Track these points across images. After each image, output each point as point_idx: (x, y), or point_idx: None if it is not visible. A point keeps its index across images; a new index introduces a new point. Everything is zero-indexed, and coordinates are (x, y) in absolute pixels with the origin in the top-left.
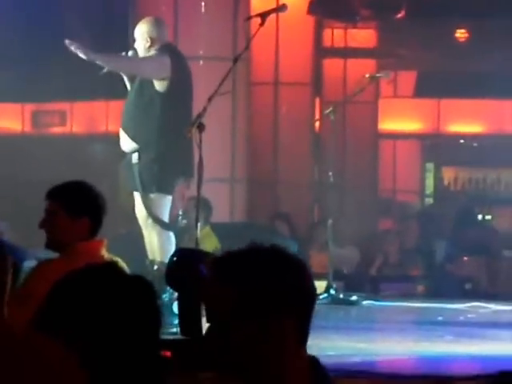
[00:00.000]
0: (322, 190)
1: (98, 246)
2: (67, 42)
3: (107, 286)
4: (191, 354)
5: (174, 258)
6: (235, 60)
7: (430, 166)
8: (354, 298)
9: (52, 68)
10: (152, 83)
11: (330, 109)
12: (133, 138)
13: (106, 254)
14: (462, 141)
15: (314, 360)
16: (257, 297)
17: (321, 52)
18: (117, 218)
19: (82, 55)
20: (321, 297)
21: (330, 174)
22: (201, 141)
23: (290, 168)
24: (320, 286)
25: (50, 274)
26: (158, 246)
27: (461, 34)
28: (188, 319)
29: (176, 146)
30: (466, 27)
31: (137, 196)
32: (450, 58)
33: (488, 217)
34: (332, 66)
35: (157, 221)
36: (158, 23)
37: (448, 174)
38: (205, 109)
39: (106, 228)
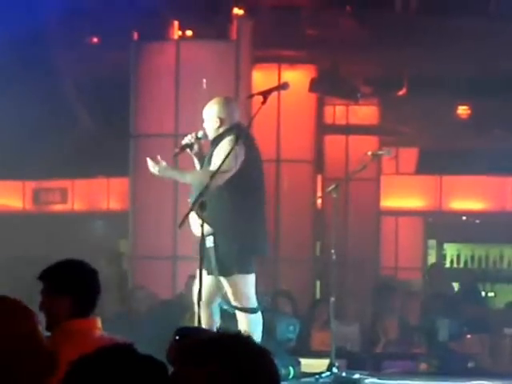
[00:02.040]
0: (324, 267)
1: (88, 325)
2: (149, 160)
3: (121, 368)
4: None
5: (176, 337)
6: (237, 138)
7: (432, 242)
8: (357, 376)
9: (53, 145)
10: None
11: (333, 186)
12: (208, 222)
13: (100, 332)
14: (464, 218)
15: None
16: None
17: (322, 129)
18: (115, 295)
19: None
20: (323, 375)
21: (332, 251)
22: (203, 219)
23: (291, 244)
24: (322, 364)
25: None
26: (245, 327)
27: (463, 110)
28: None
29: (251, 225)
30: (467, 104)
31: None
32: (451, 134)
33: (491, 294)
34: (334, 142)
35: (240, 307)
36: (227, 103)
37: (450, 251)
38: (207, 187)
39: (101, 307)
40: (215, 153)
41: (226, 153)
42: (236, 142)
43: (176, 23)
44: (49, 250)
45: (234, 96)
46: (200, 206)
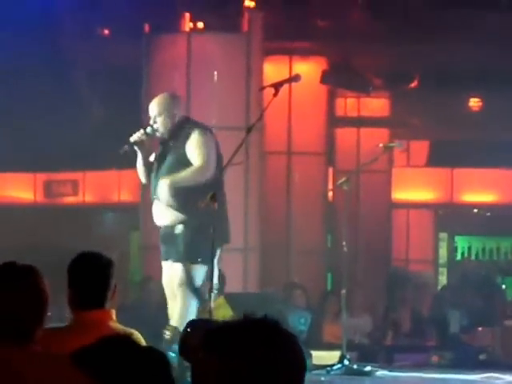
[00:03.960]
0: (335, 260)
1: (102, 316)
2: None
3: (123, 359)
4: None
5: (188, 329)
6: (248, 130)
7: (443, 235)
8: (368, 368)
9: (64, 138)
10: (188, 161)
11: (344, 179)
12: (178, 211)
13: (114, 324)
14: (475, 210)
15: None
16: (245, 369)
17: (334, 121)
18: (127, 286)
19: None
20: (334, 367)
21: (344, 243)
22: (215, 210)
23: (302, 237)
24: (333, 356)
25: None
26: (181, 315)
27: (474, 102)
28: None
29: (216, 215)
30: (479, 96)
31: (167, 265)
32: (463, 126)
33: (502, 286)
34: (345, 135)
35: (194, 291)
36: (176, 97)
37: (461, 243)
38: (217, 179)
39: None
40: (187, 148)
41: (202, 147)
42: (206, 135)
43: (187, 15)
44: (60, 241)
45: (245, 88)
46: (212, 198)
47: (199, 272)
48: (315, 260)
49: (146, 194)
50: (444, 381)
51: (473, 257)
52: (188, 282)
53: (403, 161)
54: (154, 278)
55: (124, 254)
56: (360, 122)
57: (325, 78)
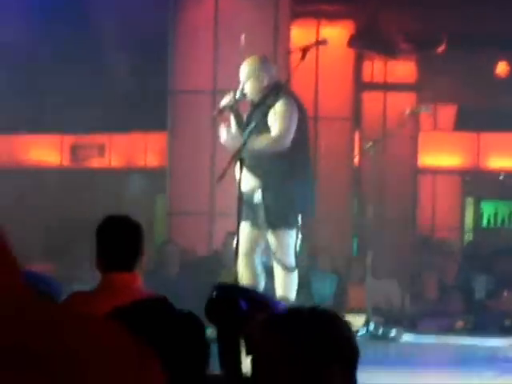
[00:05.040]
0: (361, 225)
1: (129, 280)
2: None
3: (158, 322)
4: None
5: (214, 293)
6: (276, 93)
7: (469, 200)
8: (393, 333)
9: (90, 100)
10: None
11: (370, 144)
12: (260, 178)
13: (141, 287)
14: (501, 176)
15: None
16: (314, 349)
17: (360, 86)
18: (152, 251)
19: None
20: (360, 332)
21: (370, 208)
22: (242, 175)
23: (329, 202)
24: (359, 320)
25: (82, 306)
26: (285, 284)
27: (502, 67)
28: (227, 354)
29: (300, 184)
30: (507, 61)
31: (247, 230)
32: (490, 91)
33: None
34: (372, 99)
35: (280, 260)
36: (266, 61)
37: (488, 209)
38: (245, 143)
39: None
40: (271, 115)
41: (283, 117)
42: (290, 104)
43: None
44: (86, 205)
45: (272, 51)
46: (239, 161)
47: (291, 238)
48: (341, 225)
49: (176, 157)
50: (469, 346)
51: (499, 222)
52: (288, 249)
53: (430, 125)
54: (173, 241)
55: (149, 219)
56: (387, 86)
57: (352, 41)
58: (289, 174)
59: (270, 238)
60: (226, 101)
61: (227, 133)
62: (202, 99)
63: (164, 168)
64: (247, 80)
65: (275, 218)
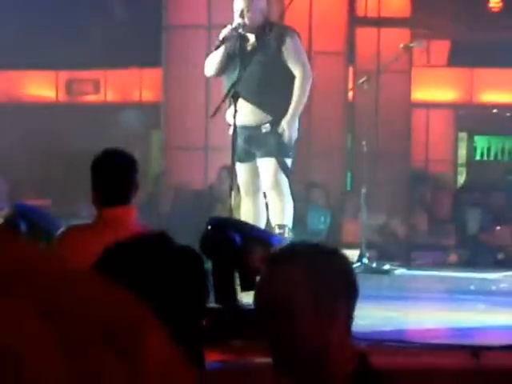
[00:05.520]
0: (355, 159)
1: (125, 213)
2: None
3: (158, 256)
4: (224, 322)
5: (209, 227)
6: (269, 29)
7: (462, 135)
8: (387, 267)
9: (85, 35)
10: (283, 63)
11: (364, 78)
12: (269, 112)
13: (137, 221)
14: (495, 110)
15: (362, 355)
16: (328, 280)
17: (354, 21)
18: (146, 186)
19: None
20: (353, 266)
21: (363, 143)
22: (236, 110)
23: (322, 137)
24: (352, 255)
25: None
26: (280, 210)
27: (494, 3)
28: (222, 287)
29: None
30: None
31: (243, 165)
32: (483, 27)
33: None
34: (365, 35)
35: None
36: None
37: (481, 143)
38: (240, 78)
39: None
40: (285, 52)
41: (301, 53)
42: (299, 39)
43: None
44: (81, 140)
45: None
46: (233, 97)
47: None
48: (335, 159)
49: (171, 93)
50: (462, 279)
51: (492, 157)
52: (283, 177)
53: (423, 61)
54: (168, 173)
55: (144, 153)
56: (380, 22)
57: None
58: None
59: (270, 166)
60: (225, 32)
61: (217, 64)
62: (196, 34)
63: (159, 103)
64: (247, 11)
65: (283, 147)
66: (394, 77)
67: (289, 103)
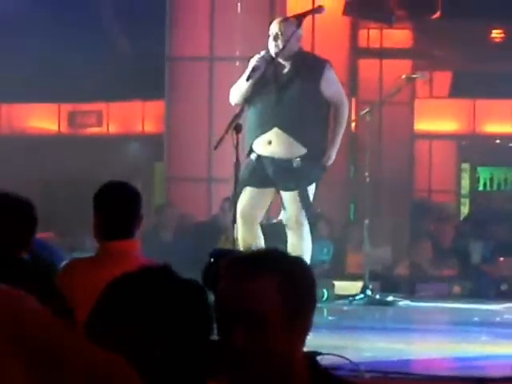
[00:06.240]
0: (358, 190)
1: (129, 247)
2: None
3: (163, 289)
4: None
5: (211, 259)
6: (272, 59)
7: (465, 166)
8: (390, 298)
9: (89, 68)
10: (321, 96)
11: (367, 110)
12: (305, 144)
13: (140, 254)
14: (497, 141)
15: (312, 356)
16: (299, 293)
17: (356, 52)
18: (149, 217)
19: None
20: (357, 297)
21: (366, 174)
22: (238, 142)
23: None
24: (356, 286)
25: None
26: (300, 249)
27: (497, 34)
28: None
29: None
30: (501, 27)
31: (252, 191)
32: (485, 58)
33: None
34: (368, 66)
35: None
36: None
37: (483, 174)
38: (242, 110)
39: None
40: (325, 85)
41: (339, 85)
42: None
43: None
44: (84, 172)
45: (268, 19)
46: (235, 129)
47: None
48: (338, 190)
49: (173, 124)
50: (466, 311)
51: (495, 187)
52: (304, 214)
53: (426, 92)
54: (171, 204)
55: (147, 186)
56: (383, 53)
57: (348, 9)
58: (325, 139)
59: (295, 201)
60: (255, 62)
61: (246, 91)
62: (199, 66)
63: (162, 135)
64: (282, 36)
65: (309, 182)
66: (396, 108)
67: (322, 134)
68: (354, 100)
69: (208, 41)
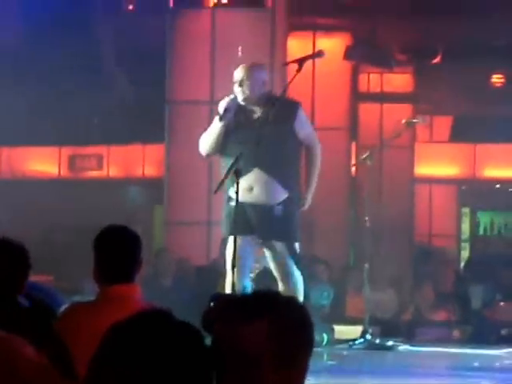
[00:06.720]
0: (358, 234)
1: (129, 292)
2: None
3: (162, 334)
4: None
5: (211, 304)
6: (272, 103)
7: (465, 210)
8: (390, 343)
9: (89, 112)
10: (295, 137)
11: (367, 154)
12: (286, 187)
13: (140, 299)
14: (497, 186)
15: None
16: (289, 334)
17: (357, 97)
18: (150, 261)
19: None
20: (357, 342)
21: (366, 218)
22: (238, 184)
23: (326, 212)
24: (356, 331)
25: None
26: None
27: (497, 78)
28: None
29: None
30: (502, 72)
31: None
32: (485, 102)
33: None
34: (368, 110)
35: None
36: (262, 66)
37: (484, 218)
38: (241, 154)
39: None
40: (299, 127)
41: (311, 127)
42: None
43: None
44: (84, 216)
45: (269, 63)
46: (236, 173)
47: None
48: (338, 235)
49: (173, 168)
50: (466, 355)
51: (495, 232)
52: (292, 264)
53: (426, 136)
54: (169, 249)
55: (147, 229)
56: (383, 97)
57: (348, 53)
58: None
59: (280, 251)
60: (225, 102)
61: (216, 140)
62: (199, 110)
63: (162, 179)
64: (246, 80)
65: (294, 231)
66: (396, 152)
67: (298, 176)
68: (354, 144)
69: (208, 84)
